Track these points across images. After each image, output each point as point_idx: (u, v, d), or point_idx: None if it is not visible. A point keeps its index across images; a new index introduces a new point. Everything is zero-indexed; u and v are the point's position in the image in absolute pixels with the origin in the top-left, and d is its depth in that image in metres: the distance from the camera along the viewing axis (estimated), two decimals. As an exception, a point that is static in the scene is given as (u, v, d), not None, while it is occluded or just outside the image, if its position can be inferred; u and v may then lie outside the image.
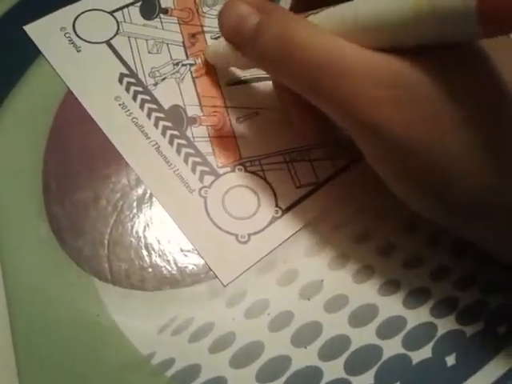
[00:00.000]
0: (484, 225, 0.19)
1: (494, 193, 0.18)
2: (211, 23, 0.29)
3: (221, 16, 0.21)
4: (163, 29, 0.28)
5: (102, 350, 0.21)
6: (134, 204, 0.24)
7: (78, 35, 0.27)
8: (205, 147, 0.25)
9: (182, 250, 0.23)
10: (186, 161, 0.25)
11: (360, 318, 0.22)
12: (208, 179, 0.25)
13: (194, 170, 0.25)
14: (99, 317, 0.21)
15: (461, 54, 0.17)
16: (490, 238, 0.20)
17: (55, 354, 0.20)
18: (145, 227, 0.23)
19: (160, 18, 0.29)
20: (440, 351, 0.22)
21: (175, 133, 0.25)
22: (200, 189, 0.24)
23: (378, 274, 0.23)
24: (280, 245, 0.24)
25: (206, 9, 0.30)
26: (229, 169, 0.25)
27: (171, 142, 0.25)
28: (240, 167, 0.25)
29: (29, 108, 0.25)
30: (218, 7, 0.29)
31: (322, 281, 0.23)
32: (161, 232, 0.23)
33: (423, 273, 0.24)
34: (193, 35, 0.28)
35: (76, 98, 0.26)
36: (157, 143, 0.25)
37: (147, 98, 0.26)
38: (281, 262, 0.23)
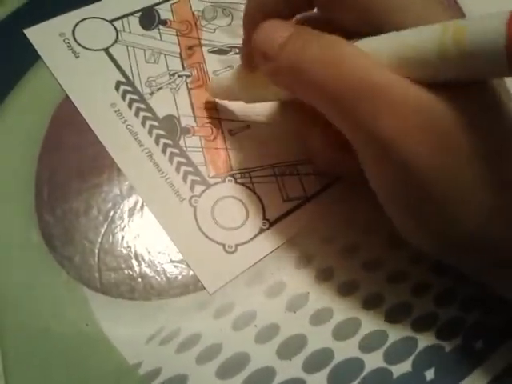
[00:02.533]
0: (481, 258, 0.20)
1: (495, 229, 0.18)
2: (209, 36, 0.30)
3: (259, 27, 0.20)
4: (161, 40, 0.29)
5: (89, 358, 0.21)
6: (126, 214, 0.24)
7: (77, 41, 0.28)
8: (197, 157, 0.26)
9: (171, 261, 0.23)
10: (177, 170, 0.25)
11: (343, 331, 0.23)
12: (198, 189, 0.25)
13: (185, 179, 0.25)
14: (88, 326, 0.22)
15: (488, 91, 0.18)
16: (485, 272, 0.21)
17: (43, 362, 0.21)
18: (135, 237, 0.24)
19: (159, 28, 0.29)
20: (420, 365, 0.23)
21: (168, 142, 0.26)
22: (190, 198, 0.25)
23: (362, 288, 0.24)
24: (266, 256, 0.24)
25: (204, 22, 0.30)
26: (219, 179, 0.25)
27: (164, 151, 0.26)
28: (230, 178, 0.26)
29: (23, 114, 0.26)
30: (217, 21, 0.30)
31: (308, 293, 0.23)
32: (151, 242, 0.24)
33: (406, 288, 0.24)
34: (190, 47, 0.29)
35: (71, 106, 0.26)
36: (150, 151, 0.25)
37: (142, 106, 0.27)
38: (268, 274, 0.24)
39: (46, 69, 0.27)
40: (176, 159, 0.26)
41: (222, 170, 0.26)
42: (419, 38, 0.17)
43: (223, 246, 0.24)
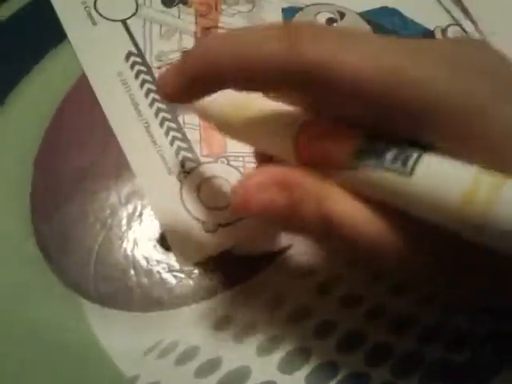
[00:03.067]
0: None
1: None
2: (227, 20, 0.29)
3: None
4: (179, 18, 0.29)
5: (86, 371, 0.21)
6: (124, 221, 0.23)
7: (97, 10, 0.28)
8: (193, 134, 0.25)
9: (170, 271, 0.22)
10: (171, 143, 0.25)
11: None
12: (189, 165, 0.24)
13: (177, 154, 0.25)
14: (84, 337, 0.21)
15: None
16: None
17: (38, 374, 0.21)
18: (133, 246, 0.23)
19: (179, 7, 0.29)
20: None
21: (167, 116, 0.26)
22: (179, 172, 0.24)
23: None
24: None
25: (224, 6, 0.29)
26: (211, 159, 0.25)
27: (162, 124, 0.25)
28: (223, 160, 0.25)
29: (20, 121, 0.25)
30: (238, 7, 0.29)
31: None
32: (150, 251, 0.22)
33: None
34: (207, 28, 0.29)
35: (68, 113, 0.26)
36: (147, 122, 0.25)
37: (149, 78, 0.27)
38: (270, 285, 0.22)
39: (44, 72, 0.27)
40: (172, 134, 0.25)
41: (215, 150, 0.25)
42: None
43: (203, 223, 0.23)
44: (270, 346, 0.20)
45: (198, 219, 0.23)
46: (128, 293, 0.22)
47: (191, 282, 0.22)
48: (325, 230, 0.15)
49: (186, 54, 0.22)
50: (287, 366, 0.20)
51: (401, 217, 0.14)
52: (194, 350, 0.20)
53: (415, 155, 0.13)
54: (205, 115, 0.19)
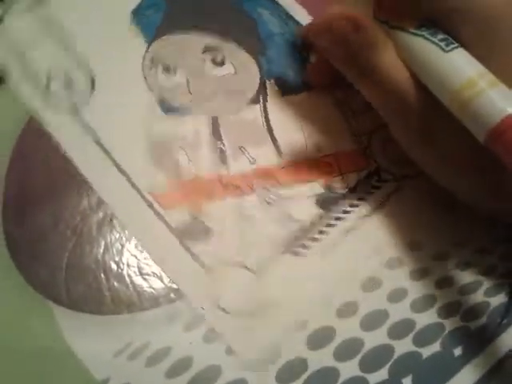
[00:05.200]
0: None
1: None
2: None
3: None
4: None
5: (56, 374, 0.21)
6: (94, 227, 0.24)
7: None
8: None
9: (141, 274, 0.23)
10: None
11: (316, 340, 0.22)
12: None
13: None
14: (54, 341, 0.21)
15: None
16: None
17: (7, 379, 0.21)
18: (104, 251, 0.23)
19: None
20: (396, 373, 0.22)
21: None
22: None
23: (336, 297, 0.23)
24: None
25: None
26: None
27: None
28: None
29: None
30: None
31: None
32: (120, 256, 0.23)
33: (381, 294, 0.23)
34: None
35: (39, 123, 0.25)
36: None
37: None
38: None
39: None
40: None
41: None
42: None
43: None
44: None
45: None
46: (98, 296, 0.22)
47: (161, 284, 0.23)
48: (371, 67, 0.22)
49: None
50: (257, 364, 0.22)
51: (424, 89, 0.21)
52: (164, 351, 0.22)
53: (456, 44, 0.20)
54: None
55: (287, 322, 0.22)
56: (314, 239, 0.24)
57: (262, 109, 0.27)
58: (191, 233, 0.24)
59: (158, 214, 0.24)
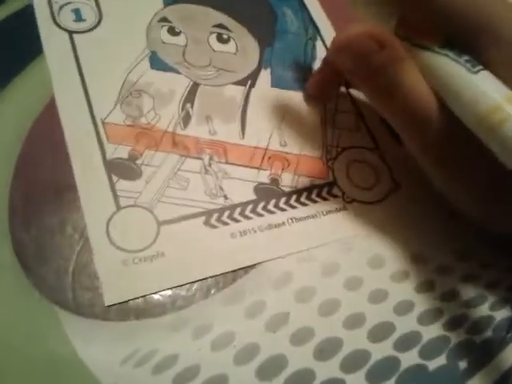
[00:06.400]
0: None
1: None
2: None
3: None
4: None
5: (62, 381, 0.21)
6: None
7: None
8: None
9: None
10: None
11: (325, 351, 0.22)
12: None
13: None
14: (60, 346, 0.21)
15: None
16: None
17: (14, 383, 0.20)
18: (112, 255, 0.23)
19: None
20: (404, 385, 0.22)
21: None
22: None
23: (344, 307, 0.23)
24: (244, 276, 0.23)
25: None
26: None
27: None
28: None
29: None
30: None
31: (289, 313, 0.23)
32: None
33: (387, 307, 0.24)
34: None
35: (47, 124, 0.25)
36: None
37: None
38: (248, 293, 0.23)
39: (19, 85, 0.26)
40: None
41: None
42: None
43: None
44: (247, 354, 0.22)
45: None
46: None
47: (169, 291, 0.23)
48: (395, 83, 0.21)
49: None
50: (264, 372, 0.22)
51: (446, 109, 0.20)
52: (172, 358, 0.21)
53: (481, 66, 0.20)
54: None
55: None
56: (235, 219, 0.24)
57: (246, 91, 0.28)
58: (122, 170, 0.25)
59: (100, 142, 0.25)
